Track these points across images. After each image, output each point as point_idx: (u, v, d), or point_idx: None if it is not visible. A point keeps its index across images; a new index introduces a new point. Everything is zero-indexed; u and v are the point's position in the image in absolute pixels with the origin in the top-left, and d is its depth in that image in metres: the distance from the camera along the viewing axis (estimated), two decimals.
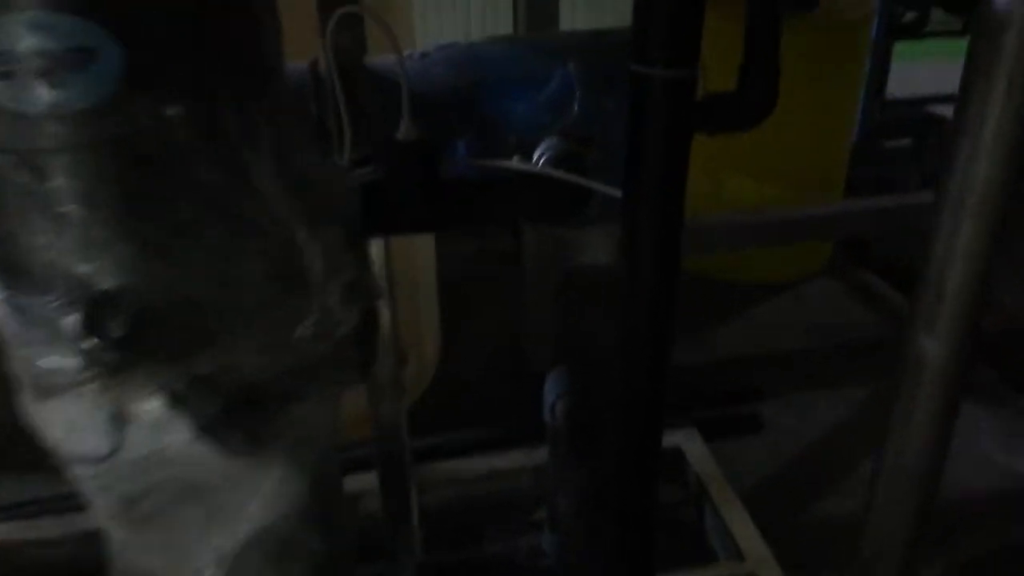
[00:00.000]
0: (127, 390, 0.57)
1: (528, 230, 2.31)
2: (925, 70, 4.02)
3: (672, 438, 1.85)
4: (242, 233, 0.60)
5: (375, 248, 1.55)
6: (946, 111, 3.86)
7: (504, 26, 3.69)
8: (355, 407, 1.64)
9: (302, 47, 0.92)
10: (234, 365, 0.61)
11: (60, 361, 0.58)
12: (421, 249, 2.24)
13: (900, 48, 3.53)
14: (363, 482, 1.65)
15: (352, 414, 1.56)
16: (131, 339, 0.55)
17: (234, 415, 0.62)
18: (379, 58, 1.04)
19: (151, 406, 0.58)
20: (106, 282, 0.56)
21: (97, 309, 0.56)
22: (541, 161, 0.96)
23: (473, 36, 1.05)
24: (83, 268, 0.56)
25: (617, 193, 0.87)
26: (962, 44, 0.72)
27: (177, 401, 0.59)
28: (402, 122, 0.84)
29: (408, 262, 2.18)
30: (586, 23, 3.84)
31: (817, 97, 2.47)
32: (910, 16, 3.50)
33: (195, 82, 0.56)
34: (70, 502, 1.34)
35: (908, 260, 3.05)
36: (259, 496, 0.70)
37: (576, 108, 1.02)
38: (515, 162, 0.96)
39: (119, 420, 0.59)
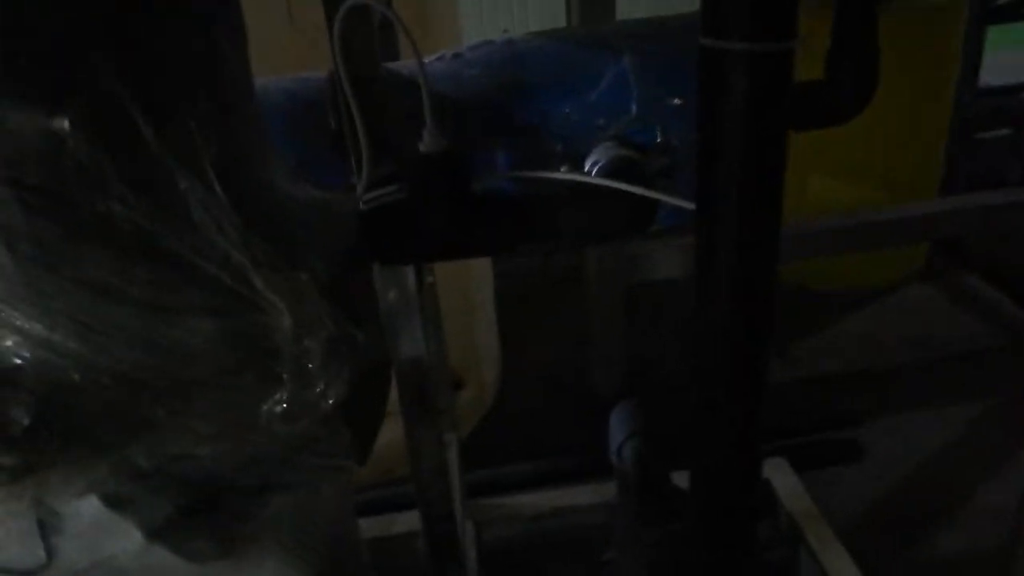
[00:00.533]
0: (46, 491, 0.45)
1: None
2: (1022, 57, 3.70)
3: None
4: (178, 283, 0.46)
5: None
6: None
7: (556, 19, 3.47)
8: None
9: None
10: (184, 455, 0.48)
11: None
12: (476, 264, 2.11)
13: (994, 35, 3.25)
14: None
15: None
16: (41, 428, 0.43)
17: (193, 515, 0.49)
18: (405, 62, 0.91)
19: (86, 509, 0.46)
20: (1, 359, 0.43)
21: None
22: (594, 171, 0.81)
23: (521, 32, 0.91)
24: None
25: (689, 205, 0.72)
26: None
27: (116, 502, 0.46)
28: (425, 131, 0.72)
29: (462, 278, 2.06)
30: (648, 13, 3.61)
31: (907, 87, 2.24)
32: None
33: (90, 84, 0.42)
34: None
35: (1014, 260, 2.77)
36: None
37: (634, 108, 0.87)
38: (562, 173, 0.81)
39: (48, 526, 0.47)
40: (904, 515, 1.78)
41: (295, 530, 0.56)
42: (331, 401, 0.51)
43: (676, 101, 0.88)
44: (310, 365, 0.50)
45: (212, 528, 0.51)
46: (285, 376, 0.50)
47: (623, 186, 0.78)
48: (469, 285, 2.07)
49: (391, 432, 1.91)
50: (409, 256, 0.79)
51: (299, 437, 0.52)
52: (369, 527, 1.62)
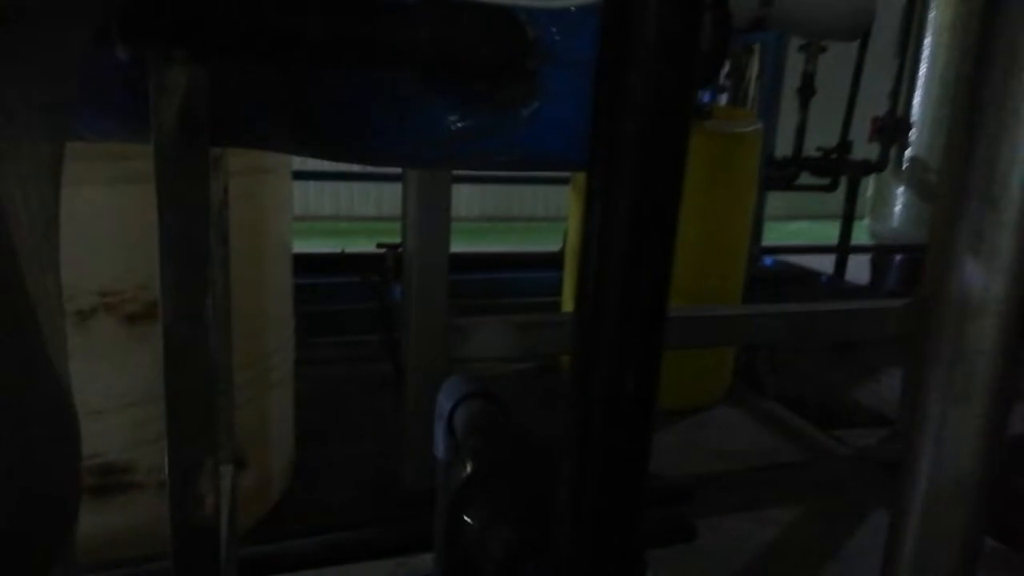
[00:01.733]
0: None
1: (414, 317, 1.98)
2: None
3: None
4: None
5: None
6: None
7: None
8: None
9: None
10: None
11: None
12: (273, 333, 1.85)
13: None
14: None
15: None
16: None
17: None
18: None
19: None
20: None
21: None
22: None
23: None
24: None
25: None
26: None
27: None
28: None
29: (257, 343, 1.79)
30: None
31: (716, 201, 2.41)
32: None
33: None
34: None
35: (809, 389, 2.95)
36: None
37: None
38: None
39: None
40: None
41: None
42: None
43: None
44: None
45: None
46: None
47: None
48: (264, 351, 1.80)
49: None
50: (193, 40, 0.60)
51: None
52: None
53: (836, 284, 3.80)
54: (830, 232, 4.43)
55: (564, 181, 3.44)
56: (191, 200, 0.85)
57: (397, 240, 2.53)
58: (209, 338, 0.94)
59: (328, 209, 6.82)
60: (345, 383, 2.77)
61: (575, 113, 0.90)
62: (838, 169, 3.85)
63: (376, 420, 2.45)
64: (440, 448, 0.91)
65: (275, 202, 1.80)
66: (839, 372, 3.12)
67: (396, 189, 2.24)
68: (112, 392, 1.47)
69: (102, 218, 1.40)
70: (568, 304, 2.72)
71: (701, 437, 2.47)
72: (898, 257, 4.16)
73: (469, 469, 0.69)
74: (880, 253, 4.23)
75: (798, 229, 6.93)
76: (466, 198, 6.74)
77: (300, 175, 2.81)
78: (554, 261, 3.31)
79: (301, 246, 2.27)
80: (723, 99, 3.80)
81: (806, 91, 3.61)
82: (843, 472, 2.29)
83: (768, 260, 3.90)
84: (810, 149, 3.84)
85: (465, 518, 0.65)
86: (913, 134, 4.25)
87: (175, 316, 0.88)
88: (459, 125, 0.87)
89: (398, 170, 2.42)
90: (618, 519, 0.52)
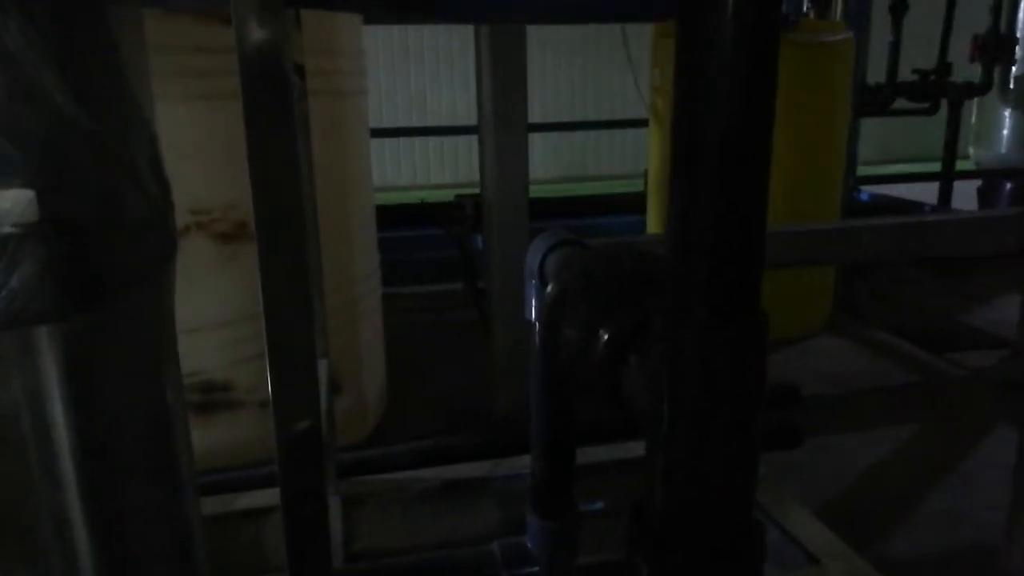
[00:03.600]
0: None
1: (495, 256, 1.96)
2: None
3: None
4: None
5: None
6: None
7: None
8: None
9: None
10: None
11: None
12: (359, 260, 1.86)
13: None
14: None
15: None
16: None
17: None
18: None
19: None
20: None
21: None
22: None
23: None
24: None
25: None
26: None
27: None
28: None
29: (343, 272, 1.79)
30: None
31: (805, 122, 2.29)
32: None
33: None
34: None
35: (914, 315, 2.78)
36: None
37: None
38: None
39: None
40: (853, 520, 1.54)
41: None
42: None
43: None
44: None
45: None
46: None
47: None
48: (352, 277, 1.81)
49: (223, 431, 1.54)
50: None
51: None
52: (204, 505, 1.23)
53: (943, 212, 3.57)
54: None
55: (642, 124, 3.33)
56: (272, 59, 0.84)
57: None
58: (305, 258, 0.93)
59: (405, 178, 6.89)
60: (431, 329, 2.79)
61: None
62: (938, 92, 3.60)
63: (464, 360, 2.44)
64: (532, 309, 0.87)
65: (355, 126, 1.80)
66: (944, 298, 2.93)
67: (472, 148, 2.19)
68: (207, 311, 1.50)
69: (187, 136, 1.42)
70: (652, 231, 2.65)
71: (804, 363, 2.36)
72: (1008, 184, 3.87)
73: (559, 287, 0.65)
74: (988, 180, 3.95)
75: (895, 171, 6.56)
76: (540, 158, 6.67)
77: (377, 132, 2.82)
78: (637, 204, 3.23)
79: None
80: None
81: (899, 7, 3.38)
82: (960, 392, 2.15)
83: (864, 194, 3.70)
84: (905, 73, 3.60)
85: (564, 332, 0.61)
86: (1018, 51, 3.93)
87: (269, 231, 0.88)
88: None
89: (474, 124, 2.38)
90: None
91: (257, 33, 0.83)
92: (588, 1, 0.84)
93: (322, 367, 1.24)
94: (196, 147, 1.43)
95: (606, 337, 0.55)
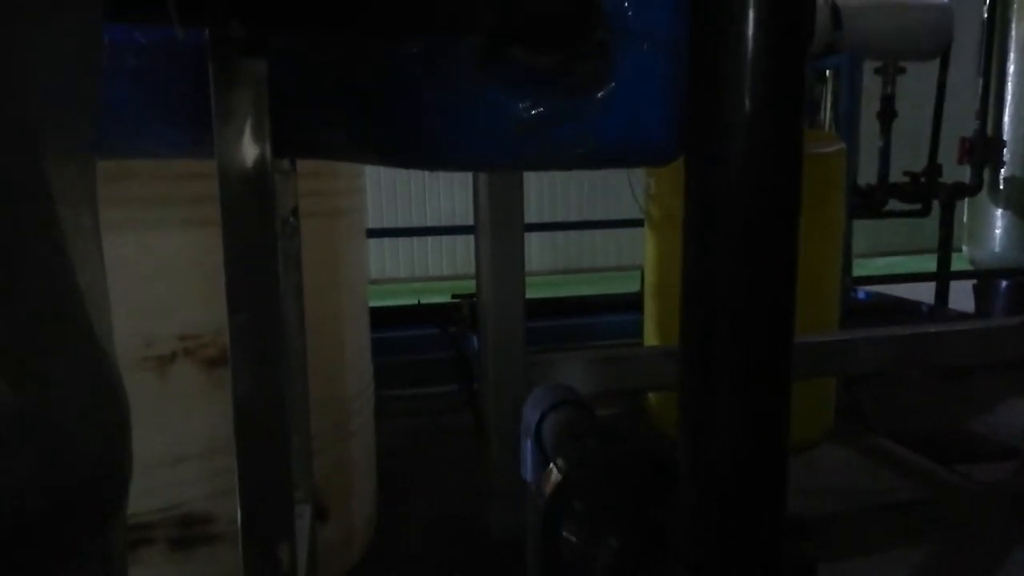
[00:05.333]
0: None
1: (491, 363, 1.92)
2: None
3: None
4: None
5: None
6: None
7: None
8: None
9: None
10: None
11: None
12: (351, 380, 1.81)
13: None
14: None
15: None
16: None
17: None
18: None
19: None
20: None
21: None
22: None
23: None
24: None
25: None
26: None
27: None
28: None
29: (333, 392, 1.75)
30: None
31: (803, 229, 2.28)
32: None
33: None
34: None
35: (919, 422, 2.72)
36: None
37: None
38: None
39: None
40: None
41: None
42: None
43: None
44: None
45: None
46: None
47: None
48: (343, 396, 1.76)
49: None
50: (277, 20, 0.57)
51: None
52: None
53: (940, 313, 3.55)
54: (922, 266, 4.19)
55: (638, 224, 3.35)
56: (258, 209, 0.82)
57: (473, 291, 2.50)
58: (282, 372, 0.89)
59: (404, 271, 6.91)
60: (425, 434, 2.72)
61: (655, 95, 0.83)
62: (929, 193, 3.65)
63: (458, 470, 2.37)
64: (528, 468, 0.83)
65: (350, 244, 1.78)
66: (948, 403, 2.87)
67: (469, 242, 2.21)
68: (192, 439, 1.44)
69: (179, 262, 1.40)
70: (651, 342, 2.61)
71: (811, 476, 2.29)
72: (1004, 283, 3.87)
73: (560, 477, 0.61)
74: (984, 279, 3.96)
75: (888, 264, 6.61)
76: (536, 251, 6.72)
77: (374, 232, 2.82)
78: (632, 303, 3.21)
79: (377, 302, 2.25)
80: None
81: (887, 113, 3.45)
82: (974, 508, 2.07)
83: (861, 293, 3.70)
84: (895, 176, 3.66)
85: (564, 534, 0.56)
86: (1006, 153, 4.01)
87: (242, 347, 0.84)
88: (526, 114, 0.81)
89: (470, 223, 2.40)
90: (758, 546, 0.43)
91: (241, 188, 0.81)
92: (587, 156, 0.83)
93: (304, 513, 1.18)
94: (185, 273, 1.41)
95: (614, 547, 0.50)
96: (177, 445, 1.43)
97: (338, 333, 1.76)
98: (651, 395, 2.61)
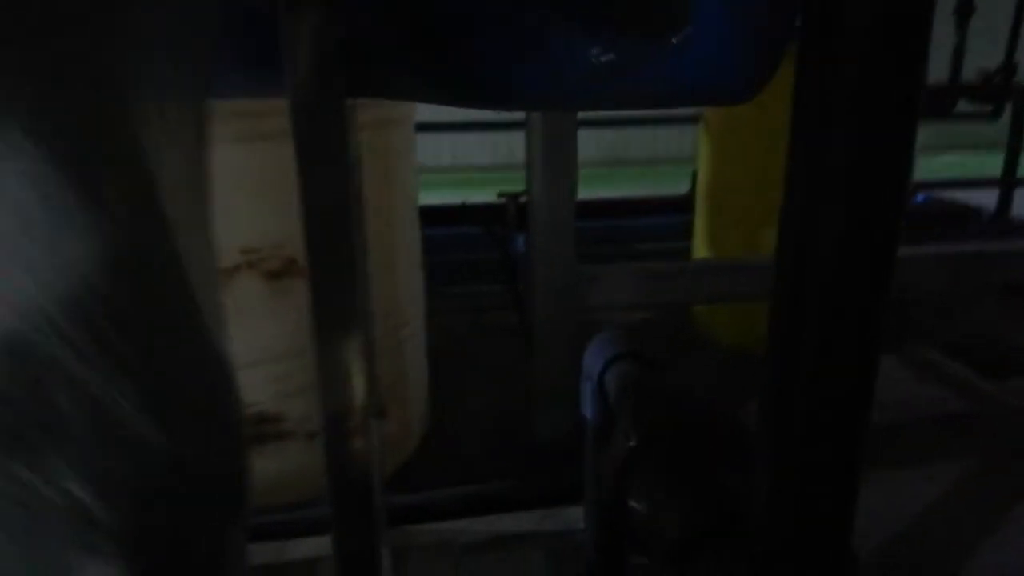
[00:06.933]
0: None
1: (540, 268, 1.94)
2: None
3: None
4: None
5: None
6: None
7: None
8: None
9: None
10: None
11: None
12: (405, 286, 1.85)
13: None
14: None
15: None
16: None
17: None
18: None
19: None
20: None
21: None
22: None
23: None
24: None
25: None
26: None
27: None
28: None
29: (389, 300, 1.80)
30: None
31: None
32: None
33: None
34: None
35: (974, 336, 2.70)
36: None
37: None
38: None
39: None
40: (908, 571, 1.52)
41: None
42: None
43: None
44: None
45: None
46: None
47: None
48: (396, 307, 1.81)
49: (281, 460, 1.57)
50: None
51: None
52: (259, 553, 1.27)
53: (1001, 222, 3.44)
54: (987, 165, 4.01)
55: (689, 120, 3.25)
56: (332, 153, 0.83)
57: (518, 188, 2.49)
58: (357, 294, 0.92)
59: (447, 160, 6.86)
60: (471, 332, 2.79)
61: (733, 37, 0.80)
62: (1002, 94, 3.45)
63: (504, 369, 2.44)
64: (589, 409, 0.86)
65: (401, 154, 1.78)
66: (1009, 317, 2.83)
67: (515, 136, 2.18)
68: (258, 346, 1.51)
69: (237, 177, 1.42)
70: (700, 250, 2.60)
71: None
72: None
73: (629, 446, 0.63)
74: None
75: (950, 162, 6.35)
76: (582, 141, 6.58)
77: (422, 127, 2.79)
78: (680, 205, 3.17)
79: (422, 197, 2.26)
80: None
81: (964, 8, 3.22)
82: (1015, 424, 2.09)
83: (920, 196, 3.59)
84: (968, 75, 3.45)
85: (631, 503, 0.60)
86: None
87: (322, 272, 0.87)
88: (602, 59, 0.79)
89: (520, 116, 2.36)
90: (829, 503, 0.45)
91: (313, 129, 0.81)
92: (663, 97, 0.81)
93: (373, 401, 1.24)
94: (242, 188, 1.43)
95: (682, 522, 0.53)
96: (244, 353, 1.49)
97: (391, 246, 1.78)
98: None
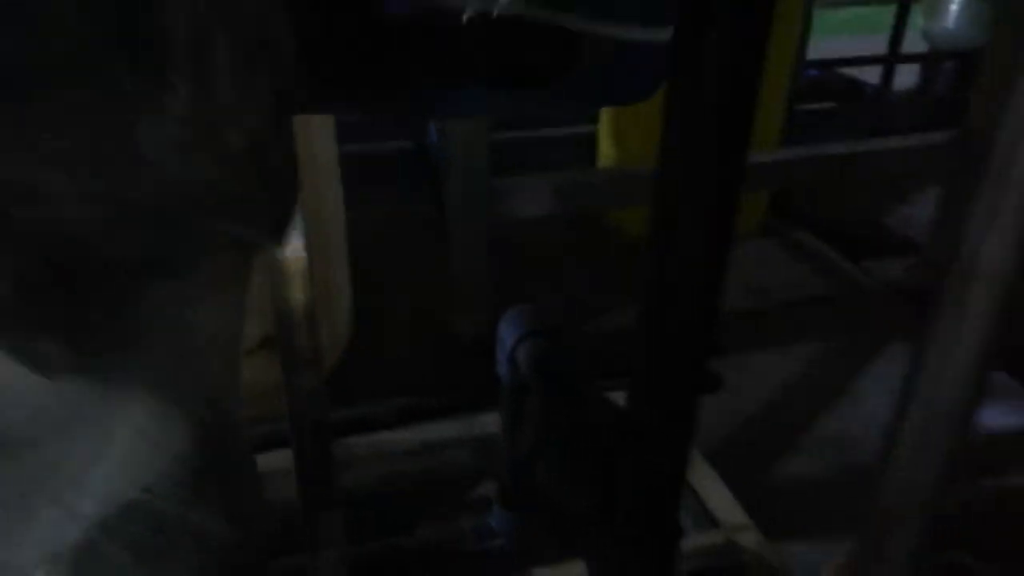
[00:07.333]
0: None
1: (453, 174, 2.04)
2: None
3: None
4: None
5: None
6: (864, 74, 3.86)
7: None
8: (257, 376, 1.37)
9: None
10: (28, 194, 0.30)
11: None
12: (327, 195, 1.94)
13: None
14: (271, 461, 1.36)
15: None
16: None
17: (37, 295, 0.32)
18: None
19: None
20: None
21: None
22: None
23: None
24: None
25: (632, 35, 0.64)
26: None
27: None
28: None
29: (314, 209, 1.88)
30: None
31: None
32: None
33: None
34: None
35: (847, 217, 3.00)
36: (110, 454, 0.41)
37: None
38: None
39: None
40: (762, 443, 1.84)
41: (175, 355, 0.41)
42: (245, 131, 0.34)
43: None
44: (217, 67, 0.32)
45: (67, 322, 0.33)
46: (177, 81, 0.31)
47: (544, 16, 0.68)
48: (320, 214, 1.90)
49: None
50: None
51: (195, 183, 0.33)
52: None
53: (882, 95, 3.71)
54: (886, 18, 4.14)
55: None
56: None
57: None
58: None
59: None
60: (389, 224, 2.88)
61: (635, 68, 0.91)
62: None
63: (424, 263, 2.57)
64: (503, 370, 1.04)
65: None
66: (880, 198, 3.13)
67: None
68: None
69: None
70: (605, 159, 2.73)
71: (733, 272, 2.59)
72: (949, 63, 3.97)
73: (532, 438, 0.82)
74: (932, 59, 4.05)
75: (849, 16, 6.49)
76: None
77: None
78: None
79: None
80: None
81: None
82: (868, 305, 2.42)
83: (811, 71, 3.78)
84: None
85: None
86: None
87: None
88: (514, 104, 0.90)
89: None
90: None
91: None
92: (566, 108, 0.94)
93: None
94: None
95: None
96: None
97: (311, 151, 1.84)
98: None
